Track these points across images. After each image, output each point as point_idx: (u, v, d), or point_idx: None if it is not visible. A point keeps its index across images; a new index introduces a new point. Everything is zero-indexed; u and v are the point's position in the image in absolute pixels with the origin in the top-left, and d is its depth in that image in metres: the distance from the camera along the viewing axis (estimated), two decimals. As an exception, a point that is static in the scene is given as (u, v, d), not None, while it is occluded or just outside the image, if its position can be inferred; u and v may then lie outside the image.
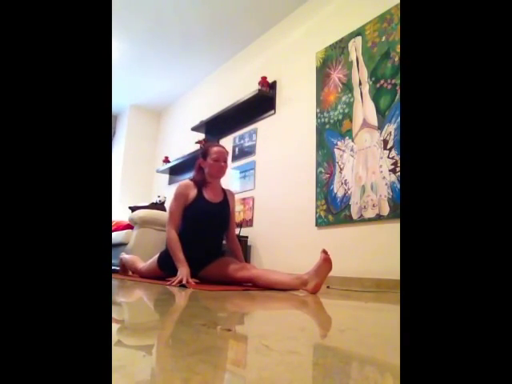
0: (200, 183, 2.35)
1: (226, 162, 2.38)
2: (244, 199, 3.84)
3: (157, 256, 2.45)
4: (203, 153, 2.41)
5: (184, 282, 1.94)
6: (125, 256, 2.95)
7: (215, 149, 2.36)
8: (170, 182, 5.31)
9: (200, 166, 2.41)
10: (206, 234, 2.30)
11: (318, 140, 3.11)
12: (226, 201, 2.40)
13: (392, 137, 2.53)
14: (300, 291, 1.83)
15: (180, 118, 5.47)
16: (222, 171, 2.36)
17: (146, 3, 3.61)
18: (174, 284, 1.95)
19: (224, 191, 2.45)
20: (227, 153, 2.43)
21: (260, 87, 3.66)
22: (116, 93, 5.38)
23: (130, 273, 2.87)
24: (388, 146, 2.55)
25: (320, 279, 1.79)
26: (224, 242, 2.46)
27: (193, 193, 2.31)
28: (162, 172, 5.29)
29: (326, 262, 1.83)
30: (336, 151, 2.93)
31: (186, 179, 2.45)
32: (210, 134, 4.57)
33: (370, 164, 2.66)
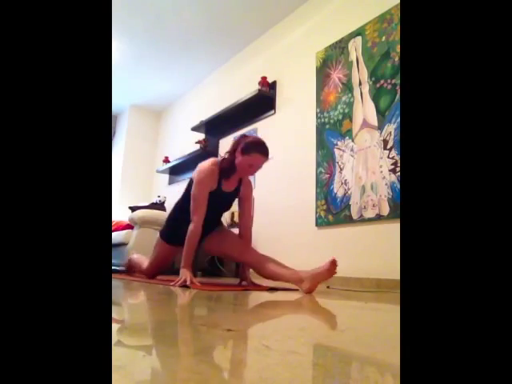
0: (224, 173, 2.20)
1: (257, 170, 2.22)
2: (244, 199, 3.84)
3: (158, 237, 2.47)
4: (247, 147, 2.13)
5: (188, 283, 1.94)
6: (133, 256, 2.90)
7: (258, 156, 2.11)
8: (170, 182, 5.31)
9: (234, 153, 2.18)
10: (210, 215, 2.21)
11: (317, 140, 3.11)
12: (237, 189, 2.30)
13: (392, 137, 2.53)
14: (299, 291, 1.83)
15: (180, 118, 5.47)
16: (248, 174, 2.25)
17: (145, 4, 3.61)
18: (177, 284, 1.95)
19: (240, 179, 2.31)
20: (266, 162, 2.21)
21: (260, 87, 3.66)
22: (116, 93, 5.37)
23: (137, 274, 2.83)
24: (388, 146, 2.55)
25: (316, 282, 1.82)
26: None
27: (214, 183, 2.19)
28: (162, 172, 5.29)
29: (329, 272, 1.83)
30: (336, 151, 2.93)
31: (211, 160, 2.24)
32: (210, 134, 4.57)
33: (370, 164, 2.66)
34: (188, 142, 4.84)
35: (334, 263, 1.82)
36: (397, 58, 2.60)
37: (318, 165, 3.06)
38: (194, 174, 2.22)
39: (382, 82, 2.67)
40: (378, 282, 2.44)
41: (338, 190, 2.85)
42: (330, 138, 3.01)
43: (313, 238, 3.01)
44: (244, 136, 2.25)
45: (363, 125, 2.76)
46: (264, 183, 3.65)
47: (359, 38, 2.92)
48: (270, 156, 2.20)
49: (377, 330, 0.87)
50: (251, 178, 3.76)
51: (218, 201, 2.24)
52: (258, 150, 2.13)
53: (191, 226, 2.12)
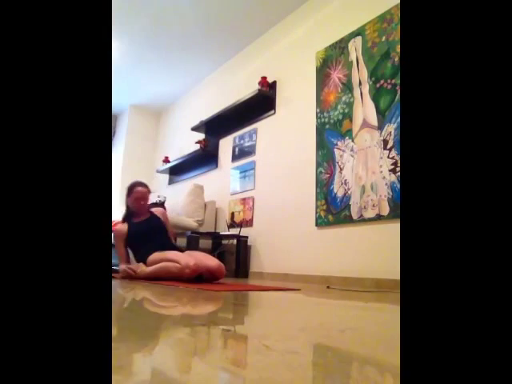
0: (129, 218, 2.85)
1: (146, 200, 2.84)
2: (244, 199, 3.84)
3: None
4: (128, 190, 2.86)
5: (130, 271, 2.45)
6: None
7: (138, 189, 2.81)
8: (170, 182, 5.30)
9: (126, 201, 2.87)
10: (149, 239, 2.73)
11: (318, 140, 3.11)
12: (151, 217, 2.88)
13: (392, 137, 2.53)
14: (298, 292, 1.84)
15: (180, 118, 5.47)
16: (141, 207, 2.83)
17: (145, 3, 3.61)
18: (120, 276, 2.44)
19: (150, 211, 2.94)
20: (149, 192, 2.90)
21: (260, 87, 3.66)
22: (116, 93, 5.37)
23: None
24: (388, 146, 2.55)
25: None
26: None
27: (125, 228, 2.80)
28: (162, 172, 5.29)
29: None
30: (336, 151, 2.93)
31: (119, 223, 2.87)
32: (209, 134, 4.57)
33: (370, 164, 2.66)
34: (188, 142, 4.84)
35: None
36: (397, 58, 2.59)
37: (318, 165, 3.06)
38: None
39: (382, 82, 2.67)
40: (378, 281, 2.44)
41: (338, 190, 2.85)
42: (330, 138, 3.01)
43: (313, 238, 3.01)
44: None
45: (363, 125, 2.76)
46: (264, 183, 3.65)
47: (359, 38, 2.92)
48: (150, 189, 2.96)
49: (377, 329, 0.87)
50: (251, 178, 3.76)
51: (144, 231, 2.75)
52: (135, 185, 2.84)
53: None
